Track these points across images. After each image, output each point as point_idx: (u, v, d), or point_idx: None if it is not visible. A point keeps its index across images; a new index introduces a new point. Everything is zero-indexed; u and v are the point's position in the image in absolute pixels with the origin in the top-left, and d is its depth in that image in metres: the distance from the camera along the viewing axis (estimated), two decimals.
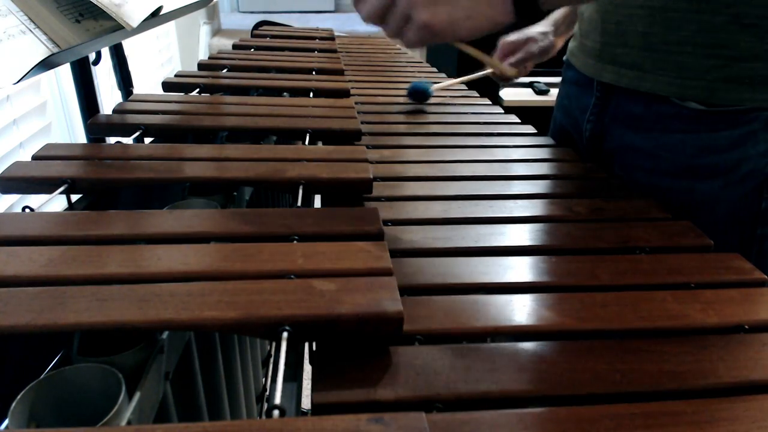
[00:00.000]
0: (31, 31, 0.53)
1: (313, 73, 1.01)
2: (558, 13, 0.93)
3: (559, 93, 0.86)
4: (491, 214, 0.54)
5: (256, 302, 0.34)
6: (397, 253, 0.46)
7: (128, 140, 0.66)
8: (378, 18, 0.51)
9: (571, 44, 0.81)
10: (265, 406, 0.78)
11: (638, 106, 0.65)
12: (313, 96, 0.87)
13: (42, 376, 0.31)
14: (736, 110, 0.59)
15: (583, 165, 0.69)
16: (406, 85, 1.05)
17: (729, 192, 0.62)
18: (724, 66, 0.57)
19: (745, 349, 0.37)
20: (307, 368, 0.36)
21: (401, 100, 0.95)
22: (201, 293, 0.34)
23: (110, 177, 0.53)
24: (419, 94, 0.93)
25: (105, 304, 0.33)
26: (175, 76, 0.91)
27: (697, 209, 0.59)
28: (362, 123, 0.75)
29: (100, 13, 0.62)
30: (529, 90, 2.20)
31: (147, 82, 1.83)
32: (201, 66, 1.00)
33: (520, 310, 0.40)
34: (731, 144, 0.54)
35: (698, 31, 0.59)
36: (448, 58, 2.21)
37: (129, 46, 0.89)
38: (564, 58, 0.83)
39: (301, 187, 0.54)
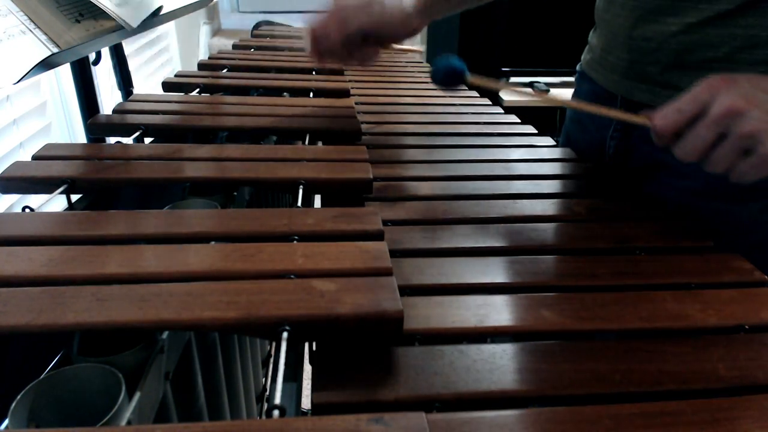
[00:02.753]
0: (31, 31, 0.53)
1: (313, 73, 1.01)
2: None
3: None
4: (491, 214, 0.54)
5: (256, 302, 0.34)
6: (397, 253, 0.46)
7: (128, 140, 0.66)
8: (701, 154, 0.45)
9: (586, 56, 0.77)
10: (265, 406, 0.78)
11: None
12: (313, 96, 0.87)
13: (42, 376, 0.31)
14: None
15: (583, 165, 0.69)
16: (406, 85, 1.05)
17: None
18: None
19: (745, 349, 0.37)
20: (307, 368, 0.36)
21: (401, 100, 0.95)
22: (201, 293, 0.34)
23: (110, 177, 0.53)
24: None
25: (105, 304, 0.33)
26: (175, 76, 0.91)
27: (734, 233, 0.55)
28: (362, 123, 0.75)
29: (100, 13, 0.62)
30: (529, 90, 2.20)
31: (147, 82, 1.83)
32: (201, 66, 1.00)
33: (520, 310, 0.40)
34: None
35: (741, 48, 0.55)
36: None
37: (129, 46, 0.89)
38: (577, 68, 0.80)
39: (301, 187, 0.54)
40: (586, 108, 0.61)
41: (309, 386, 0.33)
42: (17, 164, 0.53)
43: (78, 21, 0.60)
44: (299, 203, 0.52)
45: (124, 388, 0.30)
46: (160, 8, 0.72)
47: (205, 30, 2.75)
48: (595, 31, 0.74)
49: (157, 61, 1.90)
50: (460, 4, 0.77)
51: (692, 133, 0.45)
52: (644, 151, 0.66)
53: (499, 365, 0.34)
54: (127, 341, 0.34)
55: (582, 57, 0.79)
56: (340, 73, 1.03)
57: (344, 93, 0.90)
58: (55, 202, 0.54)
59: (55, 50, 0.54)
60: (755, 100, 0.43)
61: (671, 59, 0.60)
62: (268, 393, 0.83)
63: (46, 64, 0.54)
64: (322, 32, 0.65)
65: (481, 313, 0.39)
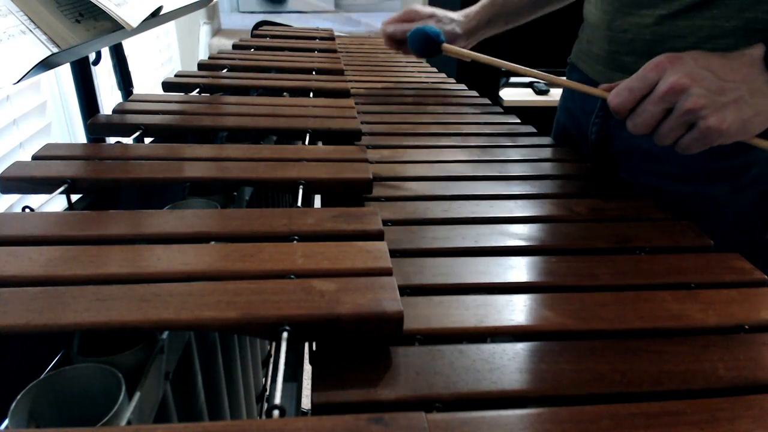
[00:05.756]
0: (31, 31, 0.53)
1: (313, 73, 1.01)
2: (473, 10, 0.87)
3: (562, 95, 0.86)
4: (491, 214, 0.54)
5: (256, 302, 0.34)
6: (397, 253, 0.46)
7: (128, 140, 0.66)
8: (650, 128, 0.49)
9: (575, 47, 0.81)
10: (265, 406, 0.78)
11: None
12: (313, 96, 0.87)
13: (42, 376, 0.31)
14: None
15: (583, 165, 0.69)
16: (406, 86, 1.05)
17: (737, 196, 0.61)
18: None
19: (745, 349, 0.37)
20: (307, 368, 0.36)
21: (401, 100, 0.95)
22: (201, 293, 0.34)
23: (110, 177, 0.53)
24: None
25: (105, 304, 0.33)
26: (175, 76, 0.91)
27: (704, 213, 0.58)
28: (362, 123, 0.75)
29: (100, 13, 0.62)
30: (529, 90, 2.21)
31: (147, 82, 1.83)
32: (201, 66, 1.00)
33: (520, 310, 0.40)
34: (739, 148, 0.53)
35: (707, 38, 0.58)
36: (449, 58, 2.21)
37: (129, 46, 0.89)
38: (568, 60, 0.82)
39: (301, 187, 0.54)
40: (542, 77, 0.65)
41: (309, 386, 0.33)
42: (17, 164, 0.53)
43: (78, 21, 0.60)
44: (299, 203, 0.52)
45: (124, 388, 0.30)
46: (160, 8, 0.72)
47: (205, 30, 2.75)
48: (583, 24, 0.76)
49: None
50: (502, 26, 0.89)
51: (641, 109, 0.49)
52: (622, 137, 0.70)
53: (499, 365, 0.34)
54: (127, 341, 0.34)
55: (572, 49, 0.81)
56: (340, 73, 1.03)
57: (344, 93, 0.90)
58: (55, 202, 0.54)
59: (55, 50, 0.54)
60: (698, 77, 0.46)
61: (645, 49, 0.63)
62: (268, 393, 0.83)
63: (46, 64, 0.54)
64: (392, 30, 0.86)
65: (481, 313, 0.39)
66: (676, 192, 0.62)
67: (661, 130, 0.49)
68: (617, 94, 0.50)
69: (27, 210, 0.47)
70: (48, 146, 0.59)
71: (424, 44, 0.76)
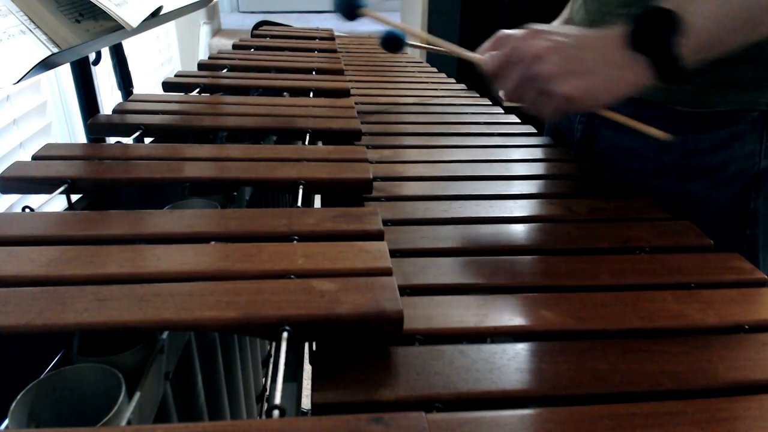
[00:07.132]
0: (31, 31, 0.53)
1: (313, 73, 1.01)
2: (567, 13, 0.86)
3: None
4: (491, 214, 0.54)
5: (256, 302, 0.34)
6: (397, 253, 0.46)
7: (128, 140, 0.66)
8: (516, 95, 0.51)
9: None
10: (265, 406, 0.78)
11: (627, 107, 0.65)
12: (313, 96, 0.87)
13: (42, 376, 0.31)
14: (723, 112, 0.59)
15: (582, 165, 0.69)
16: (406, 85, 1.05)
17: (717, 193, 0.62)
18: (709, 70, 0.57)
19: (745, 349, 0.37)
20: (307, 368, 0.36)
21: (401, 100, 0.95)
22: (201, 293, 0.34)
23: (110, 177, 0.53)
24: (393, 42, 0.88)
25: (105, 304, 0.33)
26: (175, 76, 0.91)
27: (685, 210, 0.59)
28: (362, 123, 0.75)
29: (100, 13, 0.62)
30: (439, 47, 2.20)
31: (147, 82, 1.83)
32: (201, 66, 1.00)
33: (520, 310, 0.40)
34: (717, 145, 0.54)
35: None
36: (449, 58, 2.21)
37: (129, 46, 0.89)
38: None
39: (301, 187, 0.54)
40: (447, 47, 0.66)
41: (309, 386, 0.33)
42: (17, 164, 0.53)
43: (78, 21, 0.60)
44: (299, 203, 0.52)
45: (124, 388, 0.30)
46: (160, 8, 0.72)
47: (205, 30, 2.76)
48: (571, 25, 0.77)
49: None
50: None
51: (508, 74, 0.51)
52: (605, 135, 0.70)
53: (499, 365, 0.34)
54: (127, 341, 0.34)
55: None
56: (340, 73, 1.03)
57: (344, 93, 0.90)
58: (55, 202, 0.54)
59: (55, 50, 0.54)
60: (556, 46, 0.49)
61: None
62: (268, 393, 0.83)
63: (46, 64, 0.54)
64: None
65: (481, 313, 0.39)
66: (657, 189, 0.63)
67: (524, 96, 0.50)
68: (490, 58, 0.52)
69: (27, 210, 0.47)
70: (48, 146, 0.59)
71: (344, 4, 0.75)
